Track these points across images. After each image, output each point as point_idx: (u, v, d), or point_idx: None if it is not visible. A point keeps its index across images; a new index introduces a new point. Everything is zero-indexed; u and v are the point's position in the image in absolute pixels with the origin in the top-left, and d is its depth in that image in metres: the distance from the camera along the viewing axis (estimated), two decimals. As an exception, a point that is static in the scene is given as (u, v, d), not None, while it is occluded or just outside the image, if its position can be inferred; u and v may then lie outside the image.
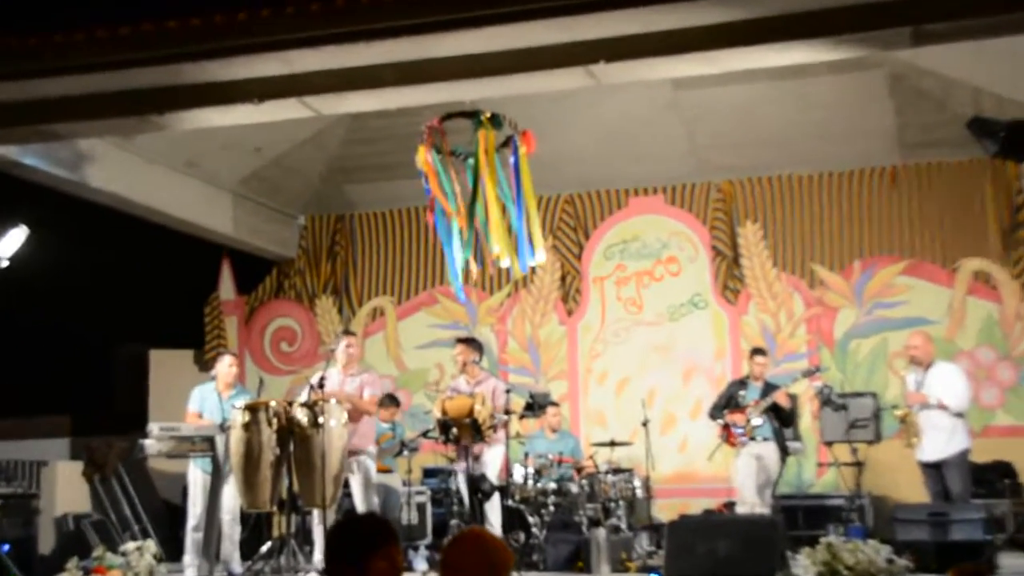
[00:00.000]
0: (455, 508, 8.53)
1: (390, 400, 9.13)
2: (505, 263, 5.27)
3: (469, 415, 7.10)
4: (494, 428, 7.27)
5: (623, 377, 10.26)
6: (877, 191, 9.74)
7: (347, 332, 7.64)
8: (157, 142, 8.45)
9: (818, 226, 9.90)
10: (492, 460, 7.55)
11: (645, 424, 8.75)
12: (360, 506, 7.14)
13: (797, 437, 9.07)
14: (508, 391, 7.54)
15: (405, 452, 8.67)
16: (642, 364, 10.22)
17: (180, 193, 9.39)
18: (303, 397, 6.67)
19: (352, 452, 7.05)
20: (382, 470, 8.38)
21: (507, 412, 7.41)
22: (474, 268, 5.41)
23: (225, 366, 7.43)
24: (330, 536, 2.67)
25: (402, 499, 8.69)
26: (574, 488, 8.41)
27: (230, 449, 6.52)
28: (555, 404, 9.27)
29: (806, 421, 9.50)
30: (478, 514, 7.24)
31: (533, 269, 9.95)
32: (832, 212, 9.84)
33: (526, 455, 8.66)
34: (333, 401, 6.62)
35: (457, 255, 5.57)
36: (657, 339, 10.21)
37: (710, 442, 8.47)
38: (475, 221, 5.42)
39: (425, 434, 8.31)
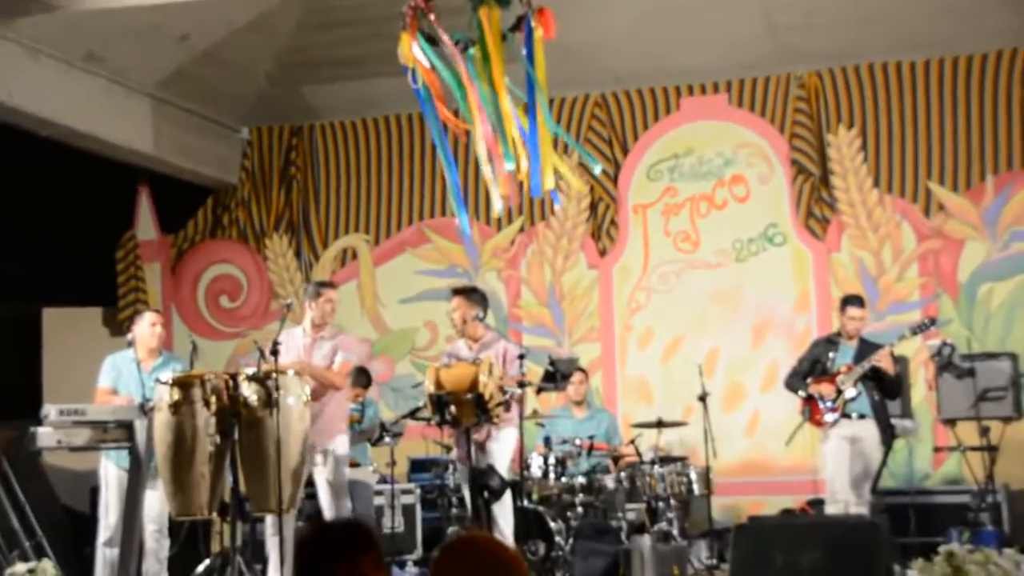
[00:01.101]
0: (454, 511, 8.73)
1: (358, 376, 9.11)
2: (543, 186, 5.21)
3: (471, 389, 7.16)
4: (504, 405, 7.34)
5: (674, 337, 10.37)
6: (1017, 83, 9.71)
7: (326, 284, 7.78)
8: (46, 28, 8.37)
9: (936, 132, 9.90)
10: (502, 448, 7.64)
11: (703, 399, 8.83)
12: (328, 511, 7.24)
13: (906, 413, 9.08)
14: (522, 356, 7.61)
15: (386, 439, 8.78)
16: (699, 319, 10.32)
17: (79, 98, 9.36)
18: (251, 368, 6.68)
19: (319, 440, 7.17)
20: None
21: (521, 384, 7.47)
22: (500, 193, 5.33)
23: (146, 328, 7.51)
24: (301, 547, 2.72)
25: (382, 499, 8.82)
26: (610, 483, 8.54)
27: (155, 438, 6.56)
28: (582, 371, 9.36)
29: (919, 392, 9.53)
30: (484, 519, 7.32)
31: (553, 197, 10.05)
32: (955, 112, 9.83)
33: (546, 441, 8.77)
34: (291, 373, 6.67)
35: (467, 177, 5.50)
36: (719, 286, 10.29)
37: (789, 421, 8.54)
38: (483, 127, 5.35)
39: (412, 414, 8.43)
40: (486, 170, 5.33)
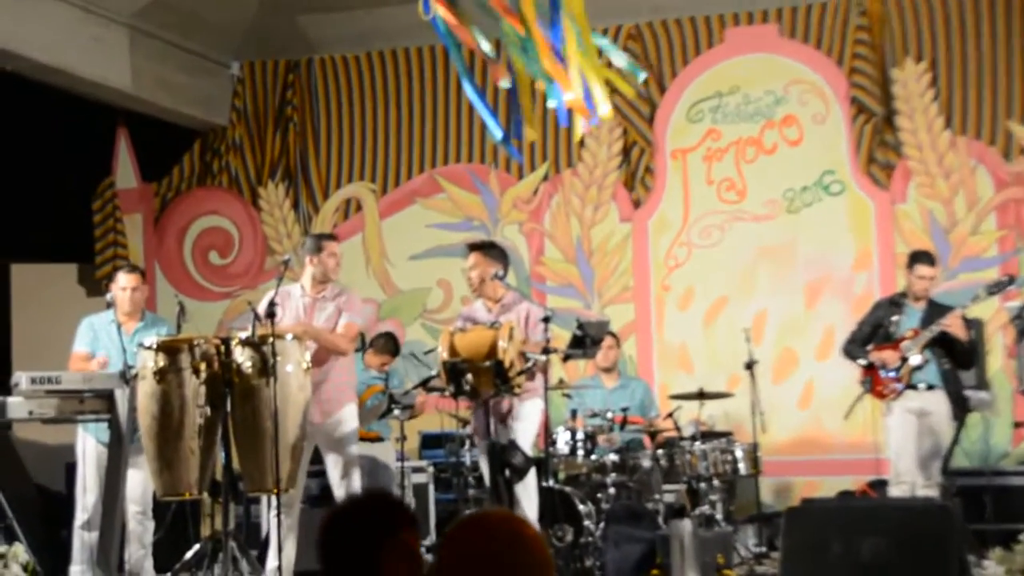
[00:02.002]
0: (471, 492, 8.72)
1: (386, 342, 9.27)
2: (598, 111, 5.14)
3: (490, 356, 7.16)
4: (527, 374, 7.33)
5: (717, 298, 10.38)
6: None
7: (327, 236, 7.81)
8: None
9: (1017, 64, 9.81)
10: (525, 421, 7.62)
11: (750, 367, 8.86)
12: (338, 490, 7.27)
13: (982, 384, 8.98)
14: (547, 319, 7.57)
15: (395, 411, 8.78)
16: (745, 278, 10.32)
17: (47, 29, 9.31)
18: (245, 332, 6.70)
19: (323, 412, 7.20)
20: (368, 438, 8.54)
21: (546, 351, 7.44)
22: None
23: (127, 287, 7.50)
24: (332, 527, 2.76)
25: (391, 478, 8.88)
26: (645, 461, 8.58)
27: (138, 409, 6.57)
28: (613, 336, 9.40)
29: (996, 360, 9.49)
30: (505, 500, 7.32)
31: (582, 139, 10.10)
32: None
33: (574, 413, 8.80)
34: (290, 337, 6.70)
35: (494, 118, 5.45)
36: (768, 239, 10.30)
37: (847, 392, 8.48)
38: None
39: (425, 384, 8.43)
40: (552, 101, 5.22)
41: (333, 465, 7.28)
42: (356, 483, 7.27)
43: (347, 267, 9.77)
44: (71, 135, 10.68)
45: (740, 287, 10.26)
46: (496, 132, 5.53)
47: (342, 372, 7.43)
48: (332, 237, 7.83)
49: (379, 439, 8.89)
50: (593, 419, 8.73)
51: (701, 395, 8.89)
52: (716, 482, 8.50)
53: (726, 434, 8.89)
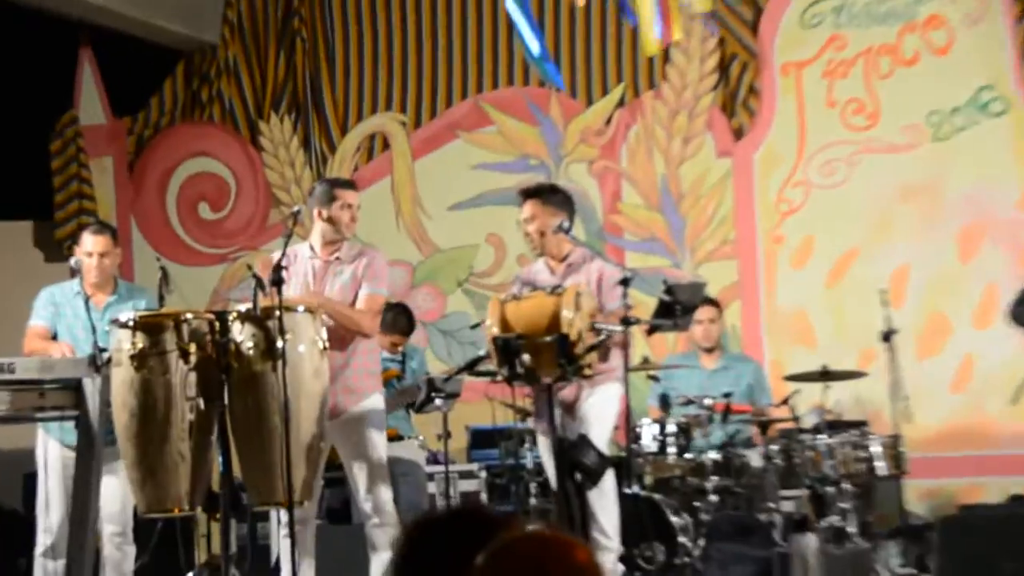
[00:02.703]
0: (533, 502, 8.75)
1: (396, 318, 9.18)
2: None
3: (552, 328, 7.09)
4: (600, 352, 7.29)
5: (844, 251, 10.31)
6: None
7: (342, 183, 7.79)
8: None
9: None
10: (599, 411, 7.56)
11: (888, 338, 8.80)
12: (364, 503, 7.25)
13: None
14: (625, 282, 7.46)
15: (437, 401, 8.70)
16: (880, 225, 10.22)
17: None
18: (245, 304, 6.65)
19: (344, 404, 7.18)
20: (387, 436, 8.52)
21: (625, 321, 7.33)
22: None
23: (95, 251, 7.47)
24: (404, 556, 2.82)
25: (433, 485, 8.88)
26: (756, 461, 8.51)
27: (113, 403, 6.53)
28: (712, 303, 9.33)
29: None
30: (576, 512, 7.30)
31: (666, 50, 10.03)
32: None
33: (663, 400, 8.71)
34: (301, 310, 6.66)
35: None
36: (909, 176, 10.18)
37: (1016, 370, 8.65)
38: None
39: (471, 367, 8.25)
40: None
41: (357, 472, 7.25)
42: (386, 495, 7.26)
43: (372, 220, 9.94)
44: (22, 57, 10.64)
45: (873, 237, 10.18)
46: (533, 44, 5.51)
47: (366, 356, 7.41)
48: (348, 184, 7.81)
49: (398, 437, 8.82)
50: (688, 407, 8.68)
51: (825, 375, 8.80)
52: (847, 486, 8.40)
53: (859, 424, 8.82)
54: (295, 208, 7.41)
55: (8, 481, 9.50)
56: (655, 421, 8.59)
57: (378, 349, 7.69)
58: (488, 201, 10.84)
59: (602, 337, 7.26)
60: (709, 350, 9.38)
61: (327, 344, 6.77)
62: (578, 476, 7.23)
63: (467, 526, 2.80)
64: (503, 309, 7.33)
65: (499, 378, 7.52)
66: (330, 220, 7.41)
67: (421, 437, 9.13)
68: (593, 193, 10.68)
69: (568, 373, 7.18)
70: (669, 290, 7.84)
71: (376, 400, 7.42)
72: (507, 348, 7.19)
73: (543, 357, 7.13)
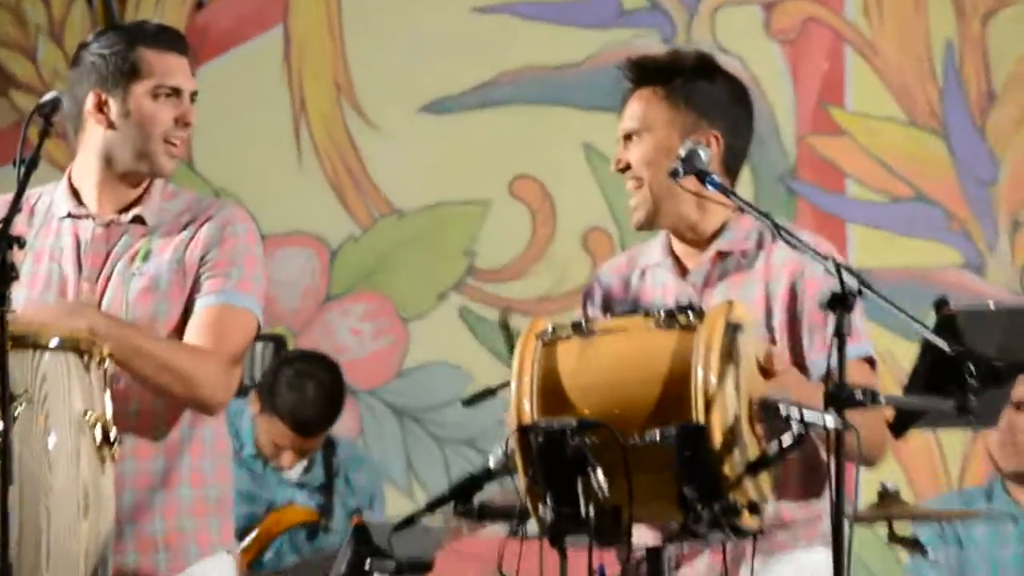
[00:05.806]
0: None
1: (302, 372, 7.28)
2: None
3: (670, 409, 4.76)
4: (791, 468, 5.26)
5: None
6: None
7: (155, 37, 5.52)
8: None
9: None
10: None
11: None
12: None
13: None
14: (848, 302, 4.75)
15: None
16: None
17: None
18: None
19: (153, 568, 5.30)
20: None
21: (871, 396, 4.86)
22: None
23: None
24: None
25: None
26: None
27: None
28: None
29: None
30: None
31: None
32: None
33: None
34: (55, 344, 4.75)
35: None
36: None
37: None
38: None
39: (464, 496, 5.78)
40: None
41: None
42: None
43: (236, 134, 7.59)
44: None
45: None
46: None
47: (204, 461, 5.57)
48: (172, 40, 5.35)
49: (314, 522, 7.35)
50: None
51: None
52: None
53: None
54: (46, 97, 4.99)
55: None
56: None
57: (226, 447, 5.62)
58: (515, 94, 7.62)
59: (795, 437, 4.51)
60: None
61: (117, 435, 4.70)
62: None
63: None
64: (549, 356, 4.68)
65: (528, 530, 4.84)
66: (128, 125, 5.14)
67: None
68: (778, 84, 7.53)
69: (706, 522, 4.60)
70: (956, 328, 6.04)
71: (219, 571, 5.54)
72: (553, 453, 4.63)
73: (644, 478, 4.69)
